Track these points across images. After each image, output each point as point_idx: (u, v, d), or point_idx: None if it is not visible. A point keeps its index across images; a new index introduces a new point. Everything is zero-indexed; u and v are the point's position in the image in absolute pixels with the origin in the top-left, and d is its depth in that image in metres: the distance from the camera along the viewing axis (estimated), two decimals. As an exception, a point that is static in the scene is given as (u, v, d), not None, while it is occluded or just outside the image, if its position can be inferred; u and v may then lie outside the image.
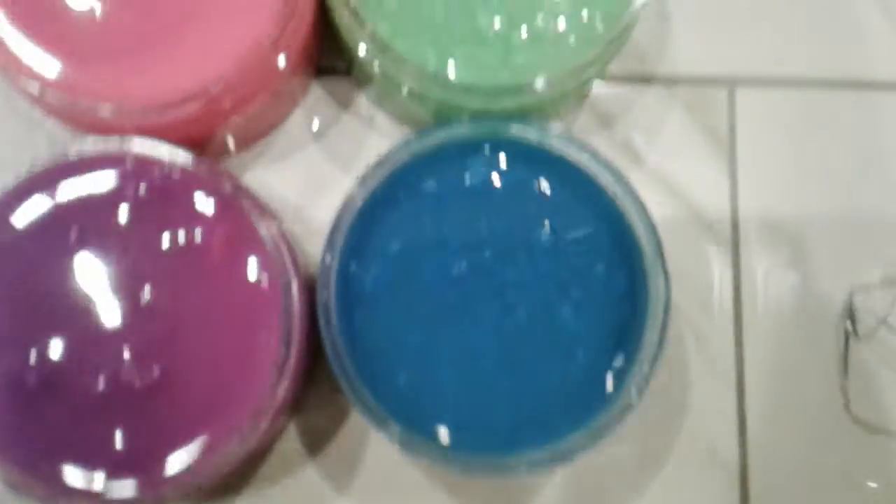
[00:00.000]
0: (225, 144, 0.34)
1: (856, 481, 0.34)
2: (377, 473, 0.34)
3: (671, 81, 0.36)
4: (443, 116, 0.32)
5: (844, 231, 0.36)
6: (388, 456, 0.34)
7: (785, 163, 0.36)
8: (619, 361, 0.29)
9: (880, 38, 0.37)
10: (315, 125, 0.36)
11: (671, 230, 0.33)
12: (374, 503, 0.33)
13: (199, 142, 0.32)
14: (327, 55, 0.35)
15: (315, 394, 0.34)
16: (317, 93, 0.36)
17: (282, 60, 0.30)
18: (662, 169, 0.36)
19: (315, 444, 0.34)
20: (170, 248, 0.29)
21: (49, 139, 0.34)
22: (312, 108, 0.36)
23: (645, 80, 0.36)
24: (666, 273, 0.29)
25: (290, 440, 0.34)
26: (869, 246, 0.36)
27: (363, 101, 0.36)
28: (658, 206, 0.32)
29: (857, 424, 0.34)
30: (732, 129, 0.36)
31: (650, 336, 0.29)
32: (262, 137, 0.35)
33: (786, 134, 0.36)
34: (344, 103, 0.36)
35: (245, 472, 0.34)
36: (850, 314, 0.35)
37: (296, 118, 0.36)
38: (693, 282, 0.35)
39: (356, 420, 0.34)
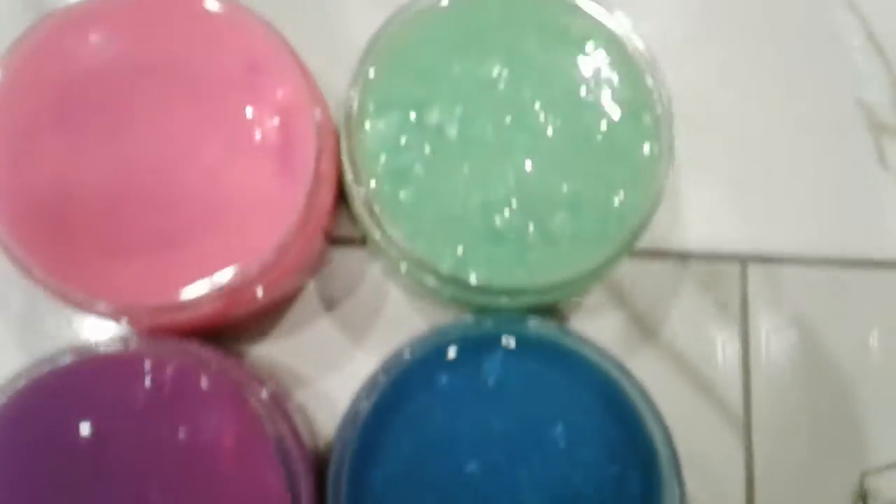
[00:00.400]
0: (237, 325, 0.34)
1: None
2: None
3: (684, 257, 0.36)
4: (455, 303, 0.33)
5: (856, 412, 0.36)
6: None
7: (797, 340, 0.36)
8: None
9: (890, 217, 0.37)
10: (327, 296, 0.36)
11: (683, 406, 0.33)
12: None
13: (213, 328, 0.32)
14: (343, 225, 0.36)
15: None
16: (330, 262, 0.36)
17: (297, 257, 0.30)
18: (675, 343, 0.36)
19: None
20: (180, 445, 0.28)
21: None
22: (325, 279, 0.36)
23: (658, 255, 0.36)
24: (681, 480, 0.29)
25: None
26: (879, 430, 0.35)
27: (376, 272, 0.36)
28: (667, 382, 0.32)
29: None
30: (744, 305, 0.36)
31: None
32: (275, 311, 0.35)
33: (797, 309, 0.36)
34: (358, 273, 0.36)
35: None
36: (864, 497, 0.35)
37: (308, 288, 0.36)
38: (703, 462, 0.35)
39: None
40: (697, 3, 0.39)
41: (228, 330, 0.34)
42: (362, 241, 0.36)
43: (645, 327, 0.36)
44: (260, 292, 0.30)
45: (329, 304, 0.36)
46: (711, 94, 0.37)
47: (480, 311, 0.34)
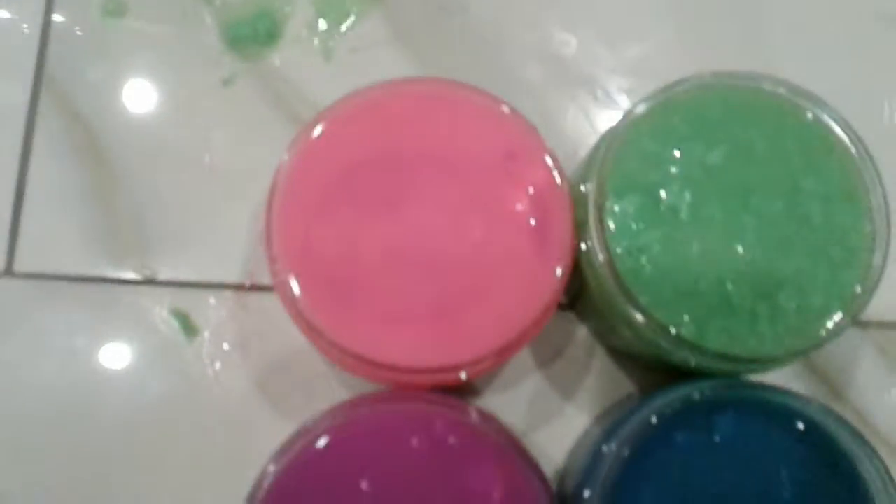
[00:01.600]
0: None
1: None
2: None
3: (863, 324, 0.40)
4: (670, 364, 0.36)
5: None
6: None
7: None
8: None
9: None
10: (539, 355, 0.39)
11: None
12: None
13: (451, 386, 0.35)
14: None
15: None
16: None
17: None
18: (858, 406, 0.39)
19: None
20: (455, 496, 0.31)
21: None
22: (538, 340, 0.39)
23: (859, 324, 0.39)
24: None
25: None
26: None
27: (584, 334, 0.39)
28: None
29: None
30: (922, 369, 0.39)
31: None
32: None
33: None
34: (566, 335, 0.39)
35: None
36: None
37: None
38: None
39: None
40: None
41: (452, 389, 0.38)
42: (570, 305, 0.39)
43: (833, 388, 0.39)
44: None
45: (540, 363, 0.39)
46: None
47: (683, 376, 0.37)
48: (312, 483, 0.31)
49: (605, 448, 0.33)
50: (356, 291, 0.33)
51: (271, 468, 0.31)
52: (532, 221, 0.33)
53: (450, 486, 0.32)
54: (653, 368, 0.38)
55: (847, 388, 0.39)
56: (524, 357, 0.39)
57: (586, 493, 0.32)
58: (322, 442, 0.32)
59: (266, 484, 0.31)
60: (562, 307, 0.39)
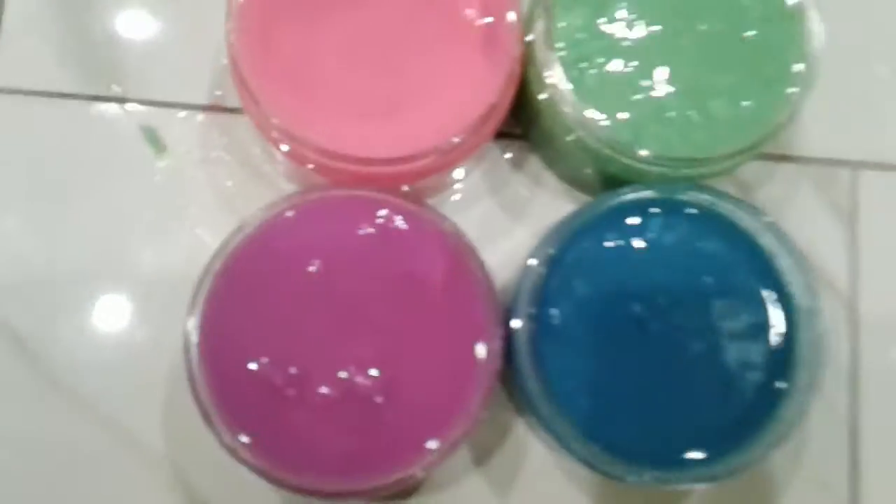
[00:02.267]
0: (415, 194, 0.39)
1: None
2: (536, 482, 0.39)
3: (802, 160, 0.42)
4: (615, 179, 0.38)
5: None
6: (545, 466, 0.39)
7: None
8: (776, 391, 0.34)
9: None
10: (490, 181, 0.41)
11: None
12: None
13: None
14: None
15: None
16: (493, 152, 0.41)
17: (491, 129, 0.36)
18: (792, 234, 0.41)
19: (480, 455, 0.39)
20: (399, 276, 0.34)
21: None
22: (487, 166, 0.41)
23: (779, 158, 0.42)
24: (821, 321, 0.34)
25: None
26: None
27: (534, 162, 0.41)
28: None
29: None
30: (854, 206, 0.42)
31: (805, 373, 0.34)
32: (446, 189, 0.41)
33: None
34: (516, 163, 0.41)
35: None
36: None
37: (475, 174, 0.41)
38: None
39: (519, 435, 0.39)
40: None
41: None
42: (523, 135, 0.41)
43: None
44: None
45: (492, 188, 0.41)
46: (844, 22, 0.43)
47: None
48: (263, 264, 0.34)
49: (536, 253, 0.36)
50: (315, 89, 0.35)
51: (221, 252, 0.34)
52: (481, 24, 0.35)
53: (394, 269, 0.34)
54: (594, 190, 0.40)
55: (780, 218, 0.41)
56: (476, 182, 0.41)
57: (520, 290, 0.35)
58: (284, 216, 0.34)
59: (216, 266, 0.34)
60: (516, 136, 0.41)
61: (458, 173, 0.40)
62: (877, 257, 0.41)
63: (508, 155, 0.41)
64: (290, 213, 0.34)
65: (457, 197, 0.41)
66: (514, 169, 0.41)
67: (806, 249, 0.40)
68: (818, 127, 0.42)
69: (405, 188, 0.36)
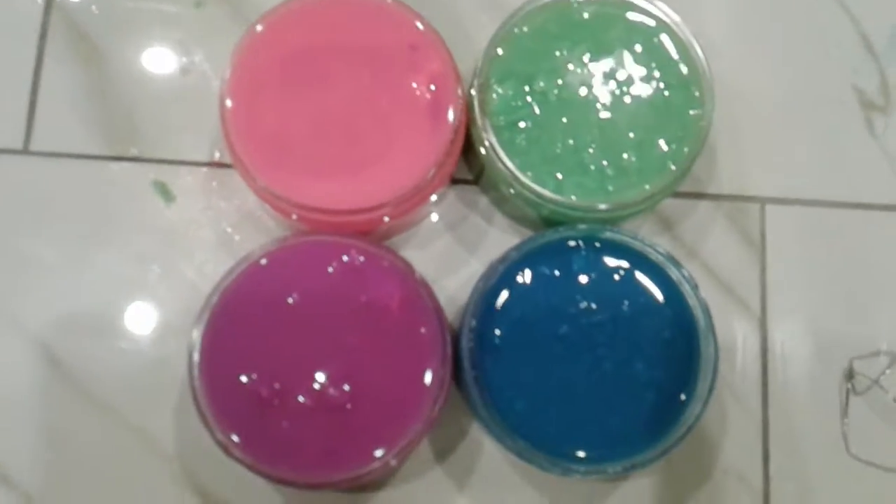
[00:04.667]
0: (384, 235, 0.47)
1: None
2: (488, 477, 0.46)
3: (716, 197, 0.49)
4: (549, 220, 0.45)
5: (849, 313, 0.48)
6: (496, 464, 0.46)
7: (805, 263, 0.48)
8: (678, 400, 0.41)
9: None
10: (449, 220, 0.48)
11: (714, 307, 0.44)
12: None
13: (367, 233, 0.45)
14: (459, 170, 0.48)
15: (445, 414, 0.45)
16: (451, 197, 0.49)
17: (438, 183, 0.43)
18: (709, 263, 0.48)
19: (441, 452, 0.46)
20: (362, 306, 0.41)
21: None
22: (447, 208, 0.49)
23: (697, 196, 0.49)
24: (716, 341, 0.41)
25: (423, 448, 0.46)
26: (867, 325, 0.47)
27: (485, 204, 0.48)
28: (704, 290, 0.44)
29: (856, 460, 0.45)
30: (763, 236, 0.48)
31: (703, 384, 0.40)
32: (412, 228, 0.48)
33: (801, 240, 0.48)
34: (470, 205, 0.49)
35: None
36: (850, 375, 0.46)
37: (434, 216, 0.49)
38: (729, 348, 0.47)
39: (474, 435, 0.46)
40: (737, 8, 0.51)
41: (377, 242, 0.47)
42: (475, 181, 0.48)
43: (686, 248, 0.48)
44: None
45: (448, 226, 0.48)
46: (742, 74, 0.50)
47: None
48: (252, 297, 0.41)
49: (484, 277, 0.43)
50: (290, 154, 0.42)
51: (219, 286, 0.41)
52: (428, 98, 0.43)
53: (357, 300, 0.41)
54: (537, 227, 0.47)
55: (700, 249, 0.48)
56: (435, 225, 0.48)
57: (469, 321, 0.42)
58: (261, 263, 0.42)
59: (214, 298, 0.41)
60: (468, 182, 0.48)
61: (422, 214, 0.48)
62: (783, 280, 0.48)
63: (463, 198, 0.49)
64: (273, 256, 0.41)
65: (421, 234, 0.48)
66: (469, 209, 0.48)
67: (722, 274, 0.48)
68: (729, 167, 0.49)
69: (383, 224, 0.43)
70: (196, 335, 0.41)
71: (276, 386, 0.40)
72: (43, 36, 0.49)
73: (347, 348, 0.41)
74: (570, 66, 0.44)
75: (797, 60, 0.51)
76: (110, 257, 0.47)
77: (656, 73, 0.43)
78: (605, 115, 0.43)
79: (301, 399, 0.40)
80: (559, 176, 0.43)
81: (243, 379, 0.40)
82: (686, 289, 0.42)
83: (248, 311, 0.41)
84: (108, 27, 0.50)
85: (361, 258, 0.41)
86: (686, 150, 0.43)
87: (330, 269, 0.41)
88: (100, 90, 0.49)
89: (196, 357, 0.40)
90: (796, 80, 0.50)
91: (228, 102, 0.42)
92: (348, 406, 0.40)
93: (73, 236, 0.48)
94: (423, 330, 0.41)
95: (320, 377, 0.40)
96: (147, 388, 0.46)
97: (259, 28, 0.43)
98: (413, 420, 0.40)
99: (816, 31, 0.51)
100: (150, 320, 0.47)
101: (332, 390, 0.40)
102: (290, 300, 0.41)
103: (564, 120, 0.43)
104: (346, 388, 0.40)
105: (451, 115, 0.42)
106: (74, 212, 0.48)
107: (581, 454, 0.41)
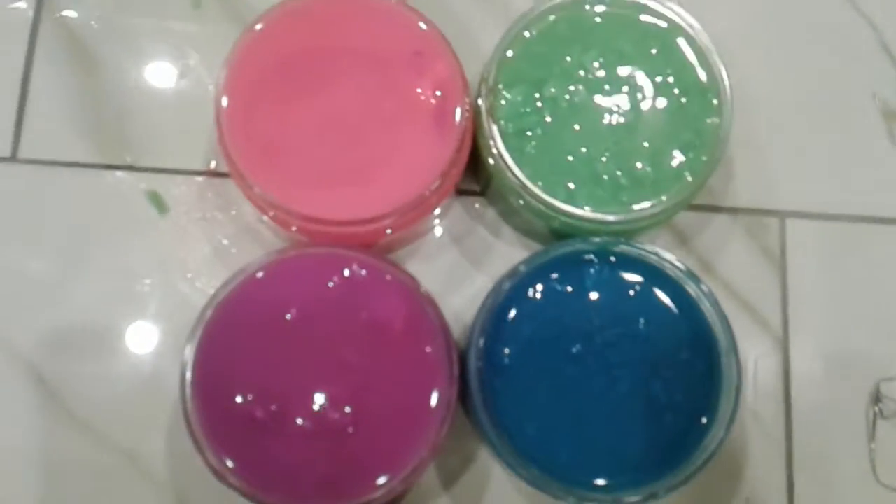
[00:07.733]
0: (386, 247, 0.45)
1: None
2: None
3: (734, 210, 0.47)
4: (559, 233, 0.43)
5: (874, 332, 0.46)
6: (506, 492, 0.44)
7: (827, 279, 0.46)
8: (699, 424, 0.38)
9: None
10: (454, 233, 0.46)
11: (732, 326, 0.42)
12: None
13: (370, 246, 0.42)
14: (465, 180, 0.46)
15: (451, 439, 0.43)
16: (457, 208, 0.47)
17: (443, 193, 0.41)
18: (726, 279, 0.46)
19: (447, 479, 0.44)
20: (365, 323, 0.39)
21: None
22: (452, 220, 0.47)
23: (713, 209, 0.46)
24: (738, 360, 0.39)
25: (429, 475, 0.44)
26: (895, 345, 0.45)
27: (492, 215, 0.46)
28: (724, 305, 0.42)
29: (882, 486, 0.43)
30: (783, 252, 0.46)
31: (725, 406, 0.38)
32: (416, 241, 0.46)
33: (823, 255, 0.46)
34: (477, 217, 0.47)
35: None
36: (878, 399, 0.44)
37: (438, 229, 0.47)
38: (748, 368, 0.45)
39: (482, 461, 0.44)
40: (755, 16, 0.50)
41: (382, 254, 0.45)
42: (481, 192, 0.46)
43: (703, 263, 0.46)
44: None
45: (454, 239, 0.46)
46: (760, 83, 0.48)
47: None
48: (248, 312, 0.39)
49: (493, 293, 0.41)
50: (291, 161, 0.40)
51: (214, 300, 0.39)
52: (433, 104, 0.40)
53: (360, 316, 0.39)
54: (546, 240, 0.45)
55: (716, 265, 0.46)
56: (440, 238, 0.46)
57: (478, 341, 0.40)
58: (258, 276, 0.39)
59: (209, 314, 0.39)
60: (474, 193, 0.46)
61: (426, 225, 0.46)
62: (804, 297, 0.46)
63: (470, 210, 0.47)
64: (270, 270, 0.39)
65: (425, 247, 0.46)
66: (475, 222, 0.46)
67: (740, 291, 0.46)
68: (747, 179, 0.47)
69: (385, 236, 0.41)
70: (189, 352, 0.38)
71: (273, 407, 0.38)
72: (33, 39, 0.48)
73: (348, 368, 0.38)
74: (582, 72, 0.42)
75: (817, 69, 0.49)
76: (100, 270, 0.45)
77: (671, 80, 0.41)
78: (618, 122, 0.41)
79: (299, 422, 0.38)
80: (571, 186, 0.40)
81: (238, 400, 0.38)
82: (706, 305, 0.40)
83: (244, 328, 0.39)
84: (100, 30, 0.48)
85: (363, 272, 0.39)
86: (703, 159, 0.41)
87: (330, 284, 0.39)
88: (91, 95, 0.47)
89: (188, 376, 0.38)
90: (817, 90, 0.48)
91: (224, 102, 0.40)
92: (349, 430, 0.38)
93: (62, 248, 0.46)
94: (428, 349, 0.39)
95: (320, 399, 0.38)
96: (137, 409, 0.44)
97: (258, 27, 0.41)
98: (418, 445, 0.38)
99: (837, 39, 0.49)
100: (141, 337, 0.45)
101: (332, 413, 0.38)
102: (289, 316, 0.39)
103: (576, 127, 0.41)
104: (347, 410, 0.38)
105: (457, 122, 0.40)
106: (63, 222, 0.46)
107: (598, 482, 0.38)
